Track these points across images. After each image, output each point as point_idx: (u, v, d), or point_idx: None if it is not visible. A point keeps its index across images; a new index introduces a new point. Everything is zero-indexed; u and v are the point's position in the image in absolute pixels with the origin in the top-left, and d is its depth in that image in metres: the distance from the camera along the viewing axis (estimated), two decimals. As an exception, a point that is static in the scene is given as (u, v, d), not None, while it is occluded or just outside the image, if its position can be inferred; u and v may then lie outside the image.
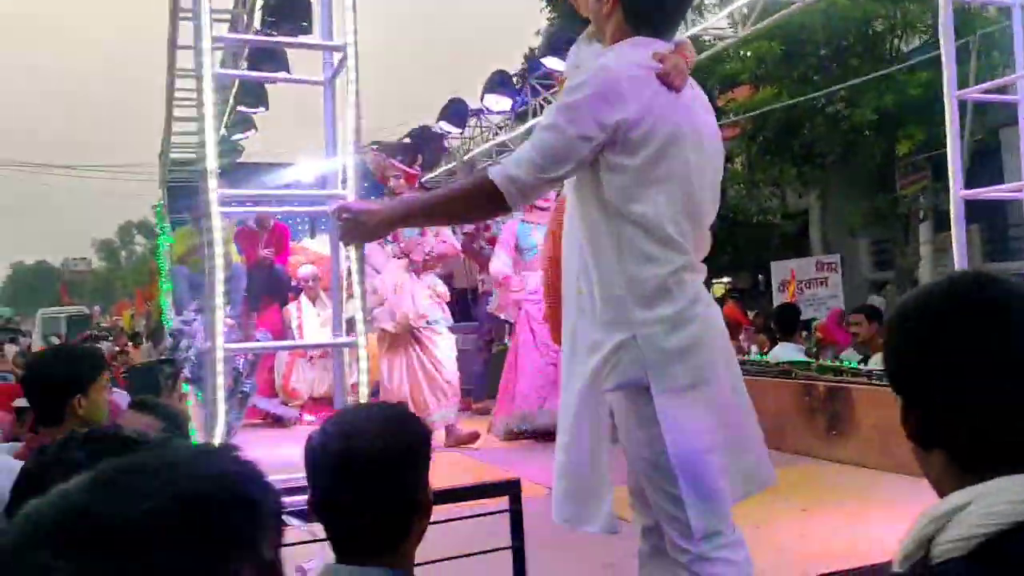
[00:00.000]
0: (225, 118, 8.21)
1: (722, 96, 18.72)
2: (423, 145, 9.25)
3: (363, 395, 2.55)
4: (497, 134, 9.55)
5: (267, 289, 8.56)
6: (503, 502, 2.53)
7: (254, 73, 4.80)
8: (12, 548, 0.68)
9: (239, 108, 7.28)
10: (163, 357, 3.79)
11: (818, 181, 16.88)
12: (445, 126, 8.91)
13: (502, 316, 6.18)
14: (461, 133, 9.54)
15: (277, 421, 7.78)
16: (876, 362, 6.03)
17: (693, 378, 1.98)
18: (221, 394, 2.33)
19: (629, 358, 1.99)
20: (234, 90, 6.77)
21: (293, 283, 8.76)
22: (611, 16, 2.16)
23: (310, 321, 8.54)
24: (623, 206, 2.01)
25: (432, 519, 1.54)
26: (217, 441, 2.32)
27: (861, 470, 4.56)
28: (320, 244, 9.75)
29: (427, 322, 6.16)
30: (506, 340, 7.09)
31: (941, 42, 3.64)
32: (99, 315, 33.48)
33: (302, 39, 2.76)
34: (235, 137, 8.30)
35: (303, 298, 8.61)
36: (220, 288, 2.36)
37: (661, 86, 1.99)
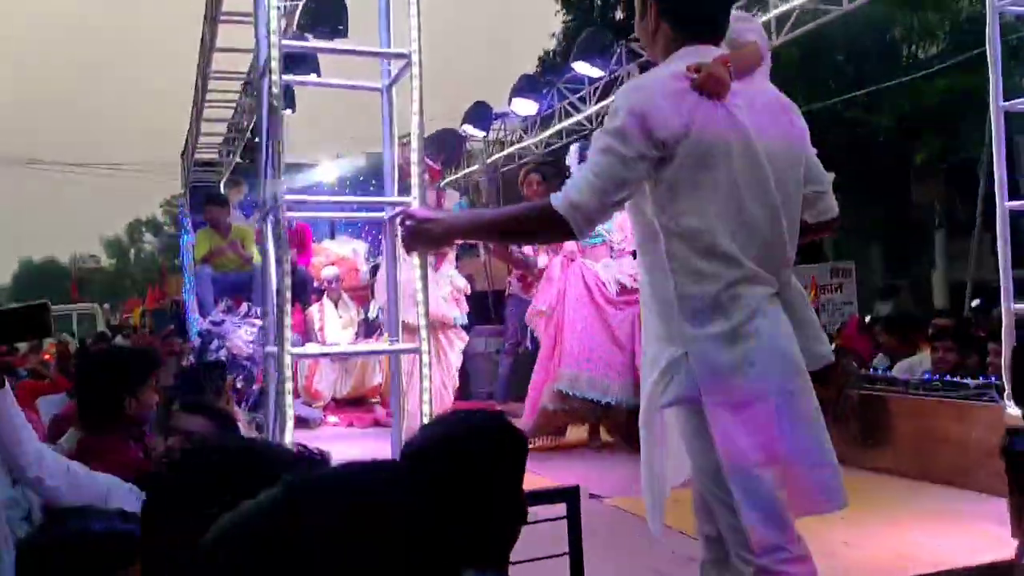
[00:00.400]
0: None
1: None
2: (442, 145, 9.28)
3: (425, 401, 2.55)
4: (521, 138, 9.57)
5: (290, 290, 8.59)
6: (553, 509, 2.56)
7: (315, 79, 4.81)
8: (218, 561, 0.69)
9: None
10: (210, 360, 3.80)
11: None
12: (469, 130, 8.91)
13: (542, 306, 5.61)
14: (485, 137, 9.55)
15: (301, 422, 7.78)
16: (899, 370, 6.04)
17: (749, 394, 1.95)
18: (289, 398, 2.34)
19: (683, 374, 1.99)
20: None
21: (315, 284, 8.78)
22: (657, 32, 2.16)
23: (332, 323, 8.57)
24: (670, 221, 2.01)
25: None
26: (288, 443, 2.33)
27: (897, 479, 4.55)
28: (339, 245, 9.79)
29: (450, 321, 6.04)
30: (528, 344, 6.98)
31: (988, 53, 3.63)
32: (108, 313, 33.50)
33: (367, 47, 2.76)
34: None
35: (325, 300, 8.64)
36: (287, 292, 2.37)
37: (701, 96, 1.98)
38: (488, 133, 9.35)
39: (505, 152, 9.93)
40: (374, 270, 8.52)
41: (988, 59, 3.63)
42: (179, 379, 3.35)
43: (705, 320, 1.98)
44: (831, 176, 2.28)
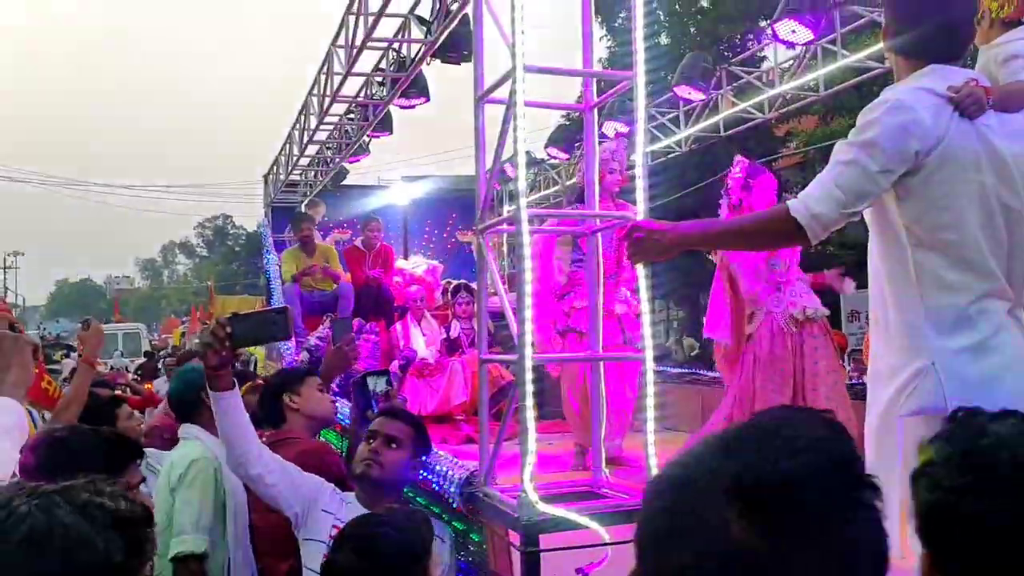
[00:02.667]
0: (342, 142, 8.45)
1: (784, 124, 18.84)
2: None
3: (650, 407, 2.64)
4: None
5: (374, 308, 8.73)
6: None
7: (544, 102, 4.95)
8: (696, 499, 0.77)
9: (370, 134, 7.47)
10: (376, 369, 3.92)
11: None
12: (555, 152, 9.06)
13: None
14: (568, 158, 9.70)
15: (394, 438, 7.88)
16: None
17: (998, 408, 2.02)
18: (530, 400, 2.44)
19: (928, 385, 2.02)
20: (373, 118, 6.98)
21: (396, 303, 8.93)
22: (893, 54, 2.26)
23: (416, 341, 8.69)
24: (921, 232, 2.06)
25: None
26: (531, 450, 2.43)
27: None
28: (414, 265, 9.94)
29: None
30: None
31: None
32: (145, 333, 33.90)
33: (590, 70, 2.88)
34: (350, 161, 8.51)
35: (409, 318, 8.77)
36: (528, 300, 2.47)
37: (955, 112, 2.05)
38: (570, 155, 9.47)
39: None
40: (456, 290, 8.67)
41: None
42: (352, 387, 3.49)
43: (953, 332, 2.02)
44: None
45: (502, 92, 2.66)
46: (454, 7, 4.88)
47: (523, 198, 2.50)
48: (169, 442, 3.81)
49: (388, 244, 9.03)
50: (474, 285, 6.18)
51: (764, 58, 7.91)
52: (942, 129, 2.04)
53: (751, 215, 2.19)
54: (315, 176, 9.26)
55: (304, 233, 8.35)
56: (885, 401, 2.13)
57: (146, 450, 3.56)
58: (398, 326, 8.69)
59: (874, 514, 0.78)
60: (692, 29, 22.99)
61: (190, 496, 2.79)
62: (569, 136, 8.86)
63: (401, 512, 2.20)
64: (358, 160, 8.53)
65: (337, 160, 8.49)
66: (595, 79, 3.02)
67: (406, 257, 10.28)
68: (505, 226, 2.77)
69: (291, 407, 3.20)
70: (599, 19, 22.64)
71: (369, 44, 5.34)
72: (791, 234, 2.12)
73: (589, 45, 2.93)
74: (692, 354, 15.13)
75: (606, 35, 22.98)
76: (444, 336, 8.79)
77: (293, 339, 8.22)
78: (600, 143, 6.40)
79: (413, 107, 6.59)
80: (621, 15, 23.15)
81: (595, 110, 2.95)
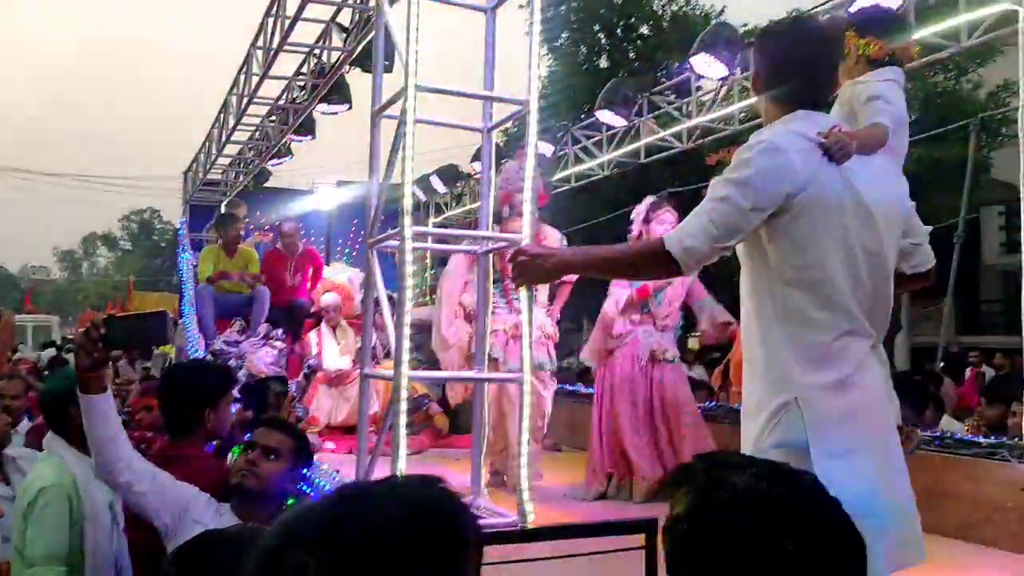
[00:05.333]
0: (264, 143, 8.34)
1: (715, 154, 19.15)
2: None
3: (525, 429, 2.66)
4: (543, 175, 9.79)
5: (286, 318, 8.58)
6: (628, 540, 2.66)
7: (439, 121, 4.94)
8: (273, 548, 0.85)
9: (291, 137, 7.39)
10: (274, 375, 3.84)
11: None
12: (478, 167, 9.10)
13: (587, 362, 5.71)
14: (498, 173, 9.73)
15: (300, 447, 7.74)
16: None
17: (852, 444, 2.05)
18: (403, 419, 2.44)
19: (790, 419, 2.08)
20: (293, 121, 6.93)
21: (313, 310, 8.81)
22: (762, 98, 2.35)
23: (330, 349, 8.59)
24: (788, 270, 2.13)
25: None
26: (401, 465, 2.42)
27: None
28: (335, 272, 9.84)
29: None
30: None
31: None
32: (58, 326, 32.75)
33: (487, 92, 2.90)
34: (272, 163, 8.40)
35: (324, 326, 8.66)
36: (407, 318, 2.47)
37: (824, 157, 2.13)
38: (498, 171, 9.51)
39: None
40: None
41: None
42: (244, 392, 3.40)
43: (816, 369, 2.09)
44: (927, 228, 2.42)
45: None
46: (373, 17, 4.87)
47: (408, 216, 2.51)
48: None
49: (313, 248, 8.93)
50: (393, 294, 6.18)
51: (700, 88, 8.12)
52: (811, 172, 2.11)
53: (631, 244, 2.25)
54: (236, 177, 9.12)
55: (234, 234, 8.18)
56: (754, 435, 2.18)
57: (17, 450, 3.42)
58: (312, 334, 8.58)
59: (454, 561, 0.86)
60: (632, 54, 23.34)
61: (40, 528, 2.63)
62: (496, 153, 8.90)
63: (247, 529, 2.16)
64: (280, 163, 8.41)
65: (258, 162, 8.36)
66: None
67: (327, 263, 10.18)
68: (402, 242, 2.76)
69: (205, 424, 3.04)
70: (541, 38, 22.82)
71: (289, 48, 5.30)
72: (665, 265, 2.17)
73: (491, 68, 2.96)
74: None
75: (548, 54, 23.16)
76: (359, 345, 8.73)
77: (202, 341, 8.06)
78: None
79: (336, 113, 6.56)
80: (564, 35, 23.40)
81: (492, 132, 2.97)
